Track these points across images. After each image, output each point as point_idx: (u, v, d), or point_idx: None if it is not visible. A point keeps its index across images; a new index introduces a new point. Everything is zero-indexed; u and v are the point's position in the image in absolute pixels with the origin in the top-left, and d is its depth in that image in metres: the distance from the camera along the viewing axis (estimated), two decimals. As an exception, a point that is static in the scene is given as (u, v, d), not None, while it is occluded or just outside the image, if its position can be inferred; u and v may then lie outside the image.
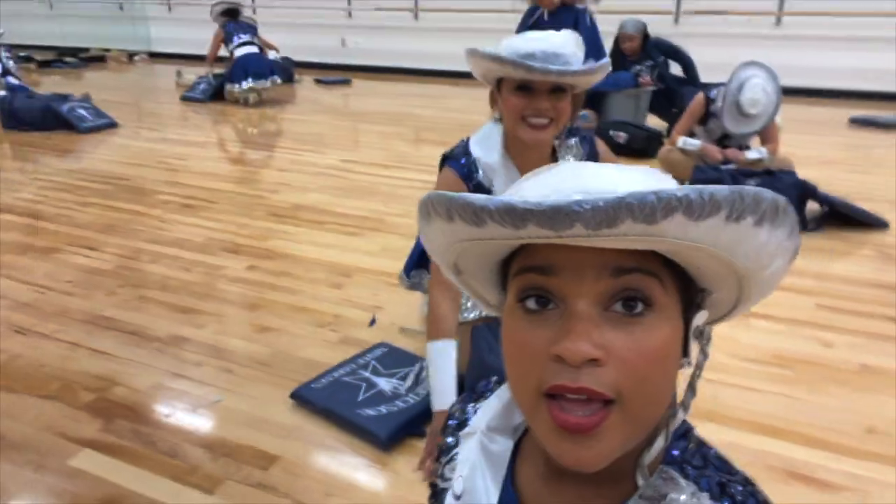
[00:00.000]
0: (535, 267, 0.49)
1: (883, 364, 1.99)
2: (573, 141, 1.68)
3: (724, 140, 3.64)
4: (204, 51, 6.67)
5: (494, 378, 0.68)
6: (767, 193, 0.42)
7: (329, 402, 1.75)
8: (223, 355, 2.05)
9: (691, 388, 0.52)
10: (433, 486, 0.67)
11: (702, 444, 0.54)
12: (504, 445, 0.60)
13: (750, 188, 0.42)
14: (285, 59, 7.56)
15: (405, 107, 6.29)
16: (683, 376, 0.53)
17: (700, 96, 3.69)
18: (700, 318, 0.52)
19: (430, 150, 4.70)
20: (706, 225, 0.42)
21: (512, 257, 0.52)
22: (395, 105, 6.52)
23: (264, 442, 1.65)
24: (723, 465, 0.53)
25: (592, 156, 1.68)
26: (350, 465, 1.58)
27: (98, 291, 2.49)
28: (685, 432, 0.54)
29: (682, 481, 0.51)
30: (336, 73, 8.09)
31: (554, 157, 1.62)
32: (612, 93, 4.28)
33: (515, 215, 0.43)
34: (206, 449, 1.62)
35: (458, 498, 0.60)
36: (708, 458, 0.53)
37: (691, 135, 3.76)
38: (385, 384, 1.81)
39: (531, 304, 0.49)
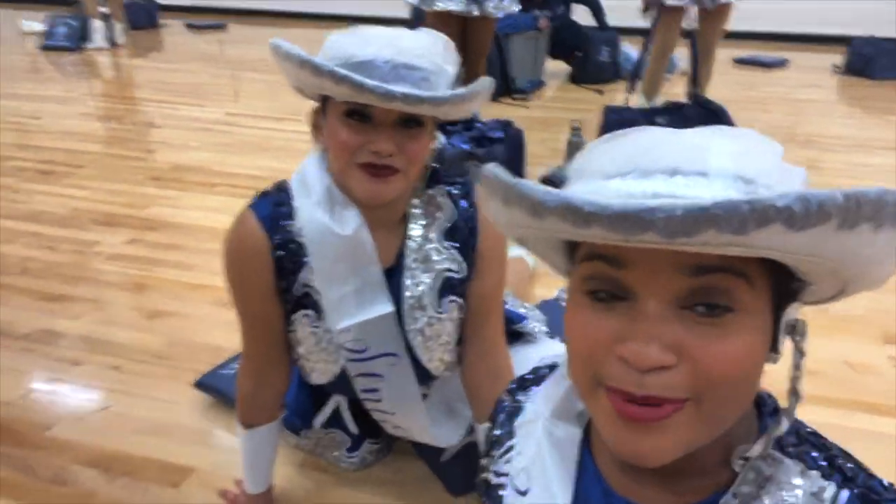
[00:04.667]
0: (605, 256, 0.44)
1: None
2: (440, 193, 1.10)
3: None
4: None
5: (545, 365, 0.65)
6: (891, 195, 0.36)
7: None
8: (107, 349, 1.74)
9: (794, 394, 0.47)
10: (485, 482, 0.63)
11: (793, 420, 0.52)
12: (570, 432, 0.57)
13: (871, 190, 0.35)
14: (147, 0, 6.80)
15: (289, 53, 5.83)
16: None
17: None
18: (793, 311, 0.46)
19: (322, 99, 4.37)
20: (809, 234, 0.36)
21: None
22: (277, 51, 6.03)
23: (171, 452, 1.40)
24: (817, 440, 0.51)
25: (467, 232, 1.10)
26: (284, 469, 1.33)
27: (-61, 282, 2.07)
28: (774, 409, 0.51)
29: (788, 460, 0.48)
30: (208, 17, 7.38)
31: (403, 227, 1.09)
32: (513, 35, 4.12)
33: (579, 216, 0.37)
34: (100, 469, 1.35)
35: (523, 494, 0.56)
36: (801, 433, 0.51)
37: None
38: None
39: (597, 292, 0.45)
